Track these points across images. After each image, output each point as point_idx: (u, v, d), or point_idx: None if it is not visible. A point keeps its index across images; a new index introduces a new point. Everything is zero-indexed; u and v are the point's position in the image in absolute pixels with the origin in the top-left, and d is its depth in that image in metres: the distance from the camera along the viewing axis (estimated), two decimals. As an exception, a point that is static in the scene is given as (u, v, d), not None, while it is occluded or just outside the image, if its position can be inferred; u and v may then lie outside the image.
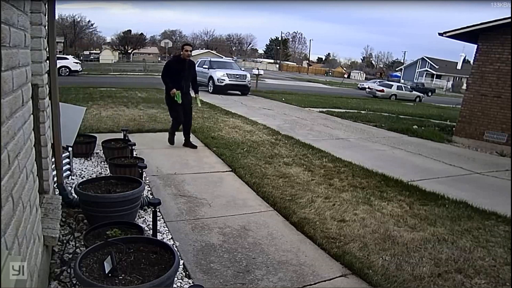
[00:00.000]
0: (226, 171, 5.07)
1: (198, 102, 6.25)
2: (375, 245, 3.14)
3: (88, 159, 5.02)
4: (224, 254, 2.88)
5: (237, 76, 16.15)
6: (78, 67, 23.92)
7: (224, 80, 15.63)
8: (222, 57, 34.99)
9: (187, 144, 6.15)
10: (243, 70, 17.65)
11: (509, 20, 7.68)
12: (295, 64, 78.45)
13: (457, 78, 52.05)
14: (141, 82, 20.70)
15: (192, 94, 6.21)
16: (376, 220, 3.66)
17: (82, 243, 2.52)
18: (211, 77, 15.94)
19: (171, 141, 6.20)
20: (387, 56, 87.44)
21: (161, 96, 13.42)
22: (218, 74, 15.74)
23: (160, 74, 6.01)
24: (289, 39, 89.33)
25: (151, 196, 3.88)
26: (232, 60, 24.25)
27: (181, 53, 5.72)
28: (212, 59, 18.37)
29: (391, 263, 2.86)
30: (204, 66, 16.63)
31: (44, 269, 2.11)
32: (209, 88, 15.96)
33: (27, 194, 1.65)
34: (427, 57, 54.96)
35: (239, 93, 16.22)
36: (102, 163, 4.91)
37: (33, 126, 1.97)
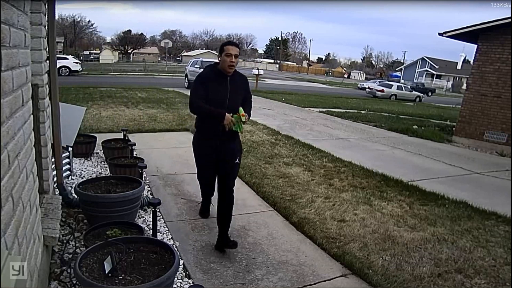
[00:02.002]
0: (226, 171, 5.07)
1: (239, 127, 2.84)
2: (375, 245, 3.14)
3: (88, 159, 5.02)
4: (224, 254, 2.88)
5: None
6: (78, 67, 23.89)
7: None
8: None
9: (223, 242, 2.94)
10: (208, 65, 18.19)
11: (509, 20, 7.68)
12: (295, 64, 78.43)
13: (457, 78, 52.04)
14: (141, 82, 20.71)
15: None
16: (376, 220, 3.66)
17: (82, 243, 2.52)
18: None
19: (203, 213, 3.58)
20: (387, 56, 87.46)
21: (161, 96, 13.44)
22: None
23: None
24: (289, 39, 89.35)
25: (151, 196, 3.88)
26: None
27: (219, 59, 2.87)
28: (203, 60, 19.17)
29: (391, 263, 2.86)
30: (196, 66, 17.95)
31: (44, 269, 2.11)
32: None
33: (27, 194, 1.65)
34: (427, 57, 54.94)
35: None
36: (102, 163, 4.90)
37: (33, 126, 1.97)
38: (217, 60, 2.95)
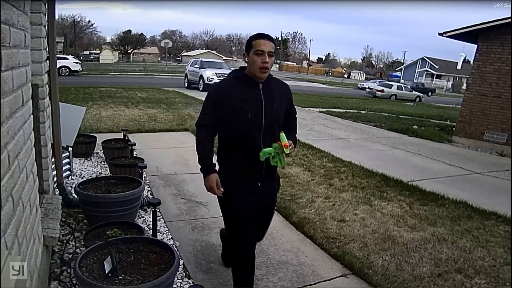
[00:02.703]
0: (226, 171, 5.07)
1: (280, 160, 1.91)
2: (375, 245, 3.14)
3: (88, 159, 5.02)
4: (224, 254, 2.88)
5: (225, 75, 16.80)
6: (78, 67, 23.90)
7: (213, 79, 16.40)
8: (223, 57, 35.45)
9: None
10: (232, 70, 18.35)
11: (509, 20, 7.68)
12: (295, 64, 78.45)
13: (457, 78, 52.05)
14: (141, 82, 20.71)
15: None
16: (376, 220, 3.66)
17: (82, 243, 2.52)
18: (201, 76, 16.92)
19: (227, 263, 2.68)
20: (387, 56, 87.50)
21: (161, 96, 13.45)
22: (208, 73, 16.64)
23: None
24: (289, 39, 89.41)
25: (151, 196, 3.88)
26: (222, 60, 25.22)
27: (245, 60, 2.01)
28: (203, 59, 19.40)
29: (391, 263, 2.86)
30: (195, 66, 18.05)
31: (44, 269, 2.11)
32: (200, 86, 16.90)
33: (27, 194, 1.65)
34: (427, 57, 54.95)
35: None
36: (102, 163, 4.90)
37: (33, 126, 1.97)
38: (243, 63, 2.15)
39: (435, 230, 3.52)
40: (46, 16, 2.69)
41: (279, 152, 1.86)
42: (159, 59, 64.71)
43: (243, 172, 2.02)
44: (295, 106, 2.27)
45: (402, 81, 43.80)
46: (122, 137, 5.26)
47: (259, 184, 2.07)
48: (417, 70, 54.15)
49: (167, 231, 3.17)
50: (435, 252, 3.10)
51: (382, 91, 26.08)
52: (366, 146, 7.58)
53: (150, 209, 3.45)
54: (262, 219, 2.24)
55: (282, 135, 1.85)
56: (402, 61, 72.74)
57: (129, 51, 65.36)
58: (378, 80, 36.55)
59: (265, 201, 2.15)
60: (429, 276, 2.73)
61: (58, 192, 3.24)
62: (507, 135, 8.22)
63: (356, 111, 14.00)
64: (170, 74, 30.39)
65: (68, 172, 4.15)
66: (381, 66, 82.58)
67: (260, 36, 1.91)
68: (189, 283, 2.46)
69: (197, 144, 2.03)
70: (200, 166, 2.01)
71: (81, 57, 46.89)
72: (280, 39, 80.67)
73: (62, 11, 60.58)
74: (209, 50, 68.22)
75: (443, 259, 2.99)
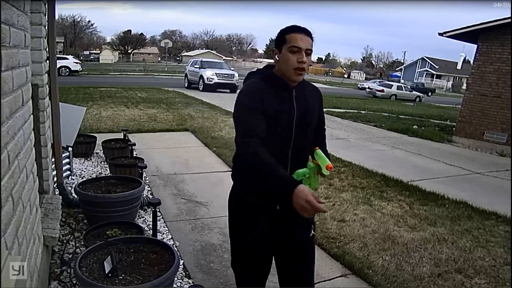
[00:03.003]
0: (226, 171, 5.07)
1: (313, 182, 1.49)
2: (375, 245, 3.14)
3: (88, 159, 5.02)
4: (224, 254, 2.88)
5: (225, 75, 17.13)
6: (78, 67, 23.90)
7: (213, 79, 16.57)
8: (222, 57, 35.44)
9: None
10: (232, 70, 18.65)
11: (509, 20, 7.68)
12: (295, 64, 78.26)
13: (457, 78, 52.06)
14: (141, 82, 20.71)
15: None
16: (376, 220, 3.66)
17: (82, 243, 2.52)
18: (201, 76, 16.93)
19: None
20: (387, 56, 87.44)
21: (161, 96, 13.45)
22: (208, 73, 16.71)
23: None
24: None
25: (151, 196, 3.88)
26: (222, 60, 25.35)
27: (275, 57, 1.56)
28: (203, 59, 19.42)
29: (391, 263, 2.86)
30: (195, 66, 18.04)
31: (44, 269, 2.11)
32: (200, 86, 16.89)
33: (27, 194, 1.65)
34: (427, 57, 54.95)
35: (228, 90, 17.00)
36: (102, 163, 4.91)
37: (33, 126, 1.97)
38: (269, 61, 1.88)
39: (435, 230, 3.52)
40: (46, 16, 2.69)
41: (314, 173, 1.49)
42: (159, 59, 64.73)
43: (263, 197, 1.54)
44: None
45: (402, 81, 43.80)
46: (122, 137, 5.26)
47: (276, 215, 1.59)
48: (417, 70, 54.15)
49: (167, 231, 3.17)
50: (435, 252, 3.10)
51: (382, 91, 26.08)
52: (366, 146, 7.58)
53: (150, 209, 3.45)
54: (295, 250, 1.65)
55: (319, 152, 1.51)
56: (402, 61, 72.75)
57: (129, 51, 65.37)
58: (378, 80, 36.54)
59: (293, 230, 1.62)
60: (429, 276, 2.73)
61: (58, 192, 3.24)
62: (507, 135, 8.22)
63: (356, 111, 14.00)
64: (170, 74, 30.39)
65: (68, 172, 4.15)
66: (381, 66, 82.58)
67: (297, 29, 1.52)
68: (189, 283, 2.46)
69: (258, 163, 1.37)
70: (278, 191, 1.36)
71: (81, 57, 46.92)
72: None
73: (62, 11, 60.63)
74: (209, 50, 68.21)
75: (443, 259, 2.99)
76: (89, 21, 69.45)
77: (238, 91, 1.57)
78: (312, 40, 1.53)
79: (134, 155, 4.62)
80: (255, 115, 1.47)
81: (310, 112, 1.62)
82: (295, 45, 1.48)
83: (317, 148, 1.55)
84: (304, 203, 1.24)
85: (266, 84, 1.55)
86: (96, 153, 5.28)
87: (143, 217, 3.39)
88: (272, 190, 1.39)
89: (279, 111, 1.52)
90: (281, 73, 1.54)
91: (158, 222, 3.17)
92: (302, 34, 1.50)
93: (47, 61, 2.86)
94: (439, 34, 9.41)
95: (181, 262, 2.64)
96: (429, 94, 35.05)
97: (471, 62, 9.97)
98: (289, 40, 1.49)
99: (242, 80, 1.73)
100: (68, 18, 64.25)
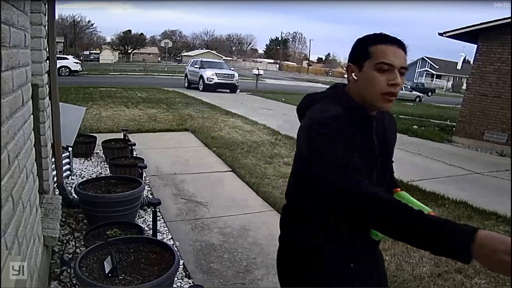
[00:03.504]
0: (226, 171, 5.07)
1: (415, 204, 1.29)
2: (375, 245, 3.14)
3: (88, 159, 5.02)
4: (224, 254, 2.88)
5: (225, 75, 17.15)
6: (78, 67, 23.91)
7: (213, 79, 16.57)
8: (222, 57, 35.45)
9: None
10: (232, 70, 18.66)
11: (509, 20, 7.68)
12: (295, 64, 78.44)
13: (457, 78, 52.07)
14: (141, 82, 20.71)
15: None
16: (376, 220, 3.66)
17: (82, 243, 2.52)
18: (201, 76, 16.92)
19: None
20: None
21: (161, 96, 13.45)
22: (208, 73, 16.71)
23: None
24: (289, 39, 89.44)
25: (151, 196, 3.88)
26: (222, 60, 25.38)
27: (351, 76, 1.19)
28: (203, 60, 19.40)
29: (391, 263, 2.86)
30: (195, 66, 18.00)
31: (44, 269, 2.11)
32: (200, 86, 16.87)
33: (27, 194, 1.65)
34: (427, 57, 54.96)
35: (228, 90, 17.09)
36: (102, 163, 4.91)
37: (33, 126, 1.97)
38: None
39: (435, 230, 3.52)
40: (46, 16, 2.69)
41: None
42: (159, 59, 64.72)
43: (342, 252, 1.20)
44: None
45: (402, 81, 43.72)
46: (122, 137, 5.27)
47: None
48: (417, 70, 54.13)
49: (167, 231, 3.17)
50: (435, 252, 3.10)
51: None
52: (366, 146, 7.58)
53: (150, 209, 3.45)
54: None
55: (405, 195, 1.23)
56: (402, 61, 72.64)
57: (129, 51, 65.39)
58: (378, 80, 36.49)
59: None
60: (429, 276, 2.73)
61: (58, 192, 3.24)
62: (507, 135, 8.22)
63: (356, 111, 13.98)
64: (170, 74, 30.39)
65: (68, 172, 4.15)
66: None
67: (387, 39, 1.12)
68: (189, 283, 2.46)
69: (391, 211, 0.95)
70: (430, 241, 0.91)
71: (81, 57, 46.91)
72: (280, 39, 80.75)
73: (62, 11, 60.66)
74: (209, 50, 68.24)
75: (443, 259, 2.98)
76: (89, 21, 69.56)
77: (309, 122, 1.11)
78: (406, 54, 1.15)
79: (134, 155, 4.62)
80: (340, 150, 1.06)
81: (390, 149, 1.36)
82: (386, 61, 1.09)
83: (399, 189, 1.28)
84: (504, 255, 0.77)
85: (344, 113, 1.12)
86: (96, 153, 5.28)
87: (143, 217, 3.39)
88: (427, 242, 0.91)
89: (359, 150, 1.13)
90: (360, 97, 1.15)
91: (158, 222, 3.17)
92: (394, 46, 1.11)
93: (47, 61, 2.86)
94: (439, 34, 9.41)
95: (181, 262, 2.64)
96: (429, 94, 35.05)
97: (471, 62, 9.97)
98: (375, 54, 1.10)
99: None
100: (68, 18, 64.35)
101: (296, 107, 1.39)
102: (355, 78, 1.16)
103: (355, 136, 1.13)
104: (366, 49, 1.12)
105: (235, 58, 71.88)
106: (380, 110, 1.19)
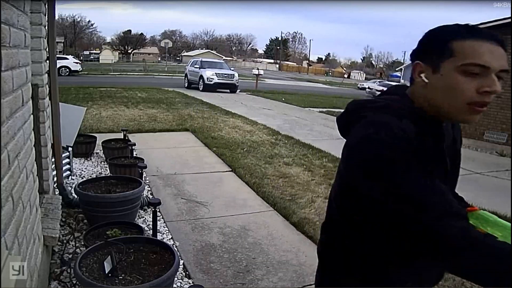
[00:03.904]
0: (226, 171, 5.07)
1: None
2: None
3: (88, 159, 5.02)
4: (224, 254, 2.88)
5: (225, 75, 17.16)
6: (78, 67, 23.89)
7: (213, 79, 16.57)
8: (222, 57, 35.47)
9: None
10: (232, 70, 18.61)
11: (509, 20, 7.68)
12: (295, 64, 78.48)
13: (457, 78, 52.03)
14: (141, 82, 20.70)
15: None
16: (376, 220, 3.66)
17: (82, 243, 2.52)
18: (201, 76, 16.91)
19: None
20: (387, 56, 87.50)
21: (161, 96, 13.45)
22: (208, 73, 16.71)
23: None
24: (289, 39, 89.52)
25: (151, 196, 3.89)
26: (222, 60, 25.40)
27: (425, 75, 0.87)
28: (203, 59, 19.38)
29: (391, 263, 2.86)
30: (195, 66, 17.98)
31: (44, 269, 2.11)
32: (200, 86, 16.87)
33: (27, 194, 1.65)
34: (427, 57, 54.91)
35: (228, 90, 17.10)
36: (102, 163, 4.91)
37: (33, 126, 1.97)
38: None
39: (435, 230, 3.52)
40: (46, 16, 2.69)
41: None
42: (159, 59, 64.77)
43: None
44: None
45: (402, 81, 43.75)
46: (122, 137, 5.27)
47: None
48: (417, 70, 54.07)
49: (167, 231, 3.18)
50: (435, 252, 3.10)
51: (382, 91, 26.04)
52: (366, 146, 7.57)
53: (150, 209, 3.45)
54: None
55: (489, 216, 0.98)
56: (402, 61, 72.77)
57: (129, 51, 65.42)
58: (378, 80, 36.53)
59: None
60: (429, 276, 2.73)
61: (58, 192, 3.24)
62: (507, 135, 8.22)
63: (356, 111, 13.97)
64: (170, 74, 30.39)
65: (68, 172, 4.15)
66: (381, 66, 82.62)
67: (480, 34, 0.84)
68: (189, 283, 2.46)
69: (492, 255, 0.74)
70: None
71: (81, 57, 46.94)
72: (280, 39, 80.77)
73: (62, 11, 60.65)
74: (209, 50, 68.27)
75: (443, 259, 2.98)
76: (89, 21, 69.59)
77: (362, 137, 0.84)
78: (506, 51, 0.86)
79: (134, 155, 4.62)
80: (431, 180, 0.82)
81: (459, 161, 1.10)
82: (479, 62, 0.81)
83: (477, 208, 1.06)
84: None
85: (415, 129, 0.86)
86: (96, 153, 5.28)
87: (143, 217, 3.39)
88: None
89: (431, 169, 0.86)
90: (435, 108, 0.89)
91: (158, 222, 3.17)
92: (491, 43, 0.83)
93: (47, 61, 2.86)
94: (439, 34, 9.41)
95: (181, 262, 2.65)
96: (429, 94, 34.99)
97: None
98: (463, 52, 0.82)
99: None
100: (68, 18, 64.37)
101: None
102: (426, 80, 0.88)
103: (428, 155, 0.88)
104: (446, 44, 0.84)
105: (235, 58, 71.92)
106: (463, 123, 0.92)
